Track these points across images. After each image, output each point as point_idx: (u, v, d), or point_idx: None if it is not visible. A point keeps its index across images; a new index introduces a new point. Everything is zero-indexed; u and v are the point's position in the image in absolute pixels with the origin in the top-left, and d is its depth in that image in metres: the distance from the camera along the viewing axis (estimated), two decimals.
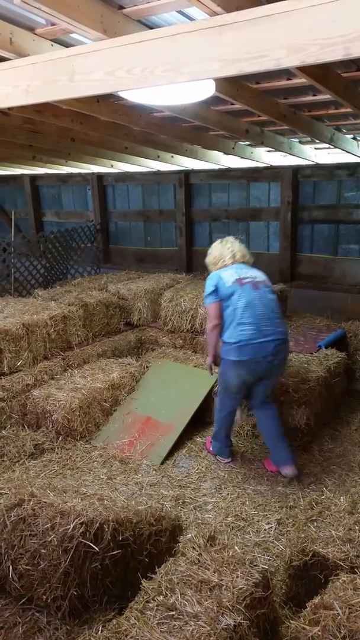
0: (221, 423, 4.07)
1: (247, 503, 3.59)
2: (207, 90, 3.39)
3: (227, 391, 3.90)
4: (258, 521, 3.38)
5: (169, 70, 2.37)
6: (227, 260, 3.99)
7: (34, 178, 10.34)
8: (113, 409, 4.69)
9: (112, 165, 8.07)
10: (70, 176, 9.74)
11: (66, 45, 3.26)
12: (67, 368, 5.02)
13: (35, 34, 3.16)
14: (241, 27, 2.12)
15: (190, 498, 3.67)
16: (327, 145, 5.86)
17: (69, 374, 4.86)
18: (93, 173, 9.19)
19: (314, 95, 4.14)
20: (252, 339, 3.63)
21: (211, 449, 4.22)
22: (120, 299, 5.98)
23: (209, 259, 4.15)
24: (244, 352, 3.64)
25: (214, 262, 4.08)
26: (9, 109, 4.55)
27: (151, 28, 2.93)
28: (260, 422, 3.98)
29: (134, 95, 3.48)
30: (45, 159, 7.83)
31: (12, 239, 7.31)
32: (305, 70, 3.16)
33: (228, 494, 3.70)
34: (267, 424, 3.91)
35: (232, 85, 3.79)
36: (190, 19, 2.88)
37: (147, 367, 5.15)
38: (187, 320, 5.52)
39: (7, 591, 2.25)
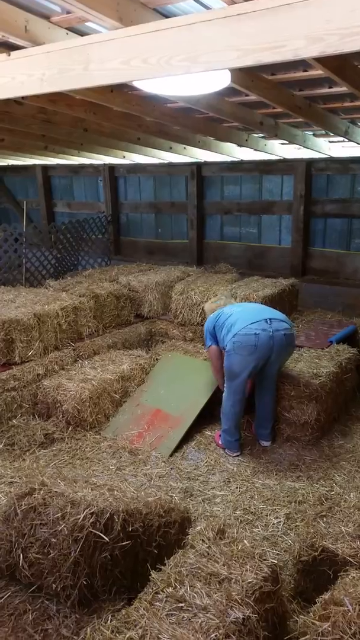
0: (229, 416, 4.08)
1: (256, 497, 3.59)
2: (222, 80, 3.36)
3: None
4: (267, 515, 3.38)
5: (185, 59, 2.34)
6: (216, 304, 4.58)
7: (46, 168, 10.34)
8: (123, 400, 4.70)
9: (124, 157, 8.04)
10: (82, 167, 9.72)
11: (81, 34, 3.23)
12: (78, 359, 5.04)
13: (51, 22, 3.14)
14: (260, 16, 2.09)
15: (199, 491, 3.68)
16: (341, 139, 5.79)
17: (79, 365, 4.88)
18: (105, 164, 9.16)
19: (330, 87, 4.09)
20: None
21: (220, 442, 4.22)
22: (131, 291, 5.98)
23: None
24: None
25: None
26: (22, 98, 4.54)
27: (167, 17, 2.89)
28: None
29: (149, 85, 3.45)
30: (57, 149, 7.82)
31: (24, 229, 7.33)
32: (322, 61, 3.12)
33: (237, 488, 3.70)
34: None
35: (248, 76, 3.75)
36: (207, 7, 2.84)
37: (157, 359, 5.15)
38: (197, 313, 5.51)
39: (18, 579, 2.27)
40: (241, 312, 4.06)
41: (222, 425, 4.20)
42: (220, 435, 4.25)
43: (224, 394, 4.15)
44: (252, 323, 3.86)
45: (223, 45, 2.21)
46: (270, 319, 3.92)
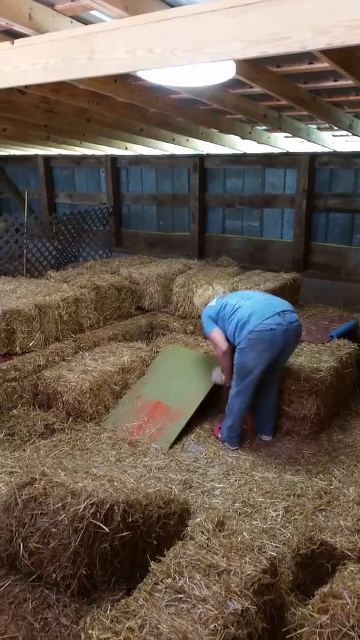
0: (237, 412, 4.08)
1: (255, 490, 3.60)
2: (227, 72, 3.33)
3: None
4: (265, 508, 3.39)
5: (190, 50, 2.32)
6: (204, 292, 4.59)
7: (47, 159, 10.30)
8: (123, 392, 4.71)
9: (126, 148, 8.00)
10: (84, 158, 9.68)
11: (85, 22, 3.21)
12: (78, 350, 5.04)
13: (55, 9, 3.11)
14: (266, 7, 2.06)
15: (198, 483, 3.69)
16: (345, 133, 5.76)
17: (79, 356, 4.88)
18: (107, 155, 9.12)
19: (335, 80, 4.06)
20: None
21: (220, 435, 4.22)
22: (132, 283, 5.97)
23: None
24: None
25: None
26: (25, 87, 4.51)
27: (173, 6, 2.87)
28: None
29: (153, 76, 3.43)
30: (59, 139, 7.77)
31: (25, 220, 7.31)
32: (328, 53, 3.09)
33: (236, 480, 3.72)
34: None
35: (253, 68, 3.72)
36: None
37: (157, 352, 5.15)
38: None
39: (18, 568, 2.28)
40: (252, 305, 3.91)
41: (225, 420, 4.17)
42: (219, 429, 4.25)
43: (231, 391, 4.07)
44: (267, 318, 3.77)
45: (229, 36, 2.18)
46: (283, 311, 3.86)
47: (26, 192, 8.09)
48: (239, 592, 1.90)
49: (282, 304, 3.99)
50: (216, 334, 4.07)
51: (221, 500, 3.49)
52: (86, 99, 4.91)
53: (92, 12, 3.14)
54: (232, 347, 4.02)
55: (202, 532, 2.24)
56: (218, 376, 4.40)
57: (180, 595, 1.91)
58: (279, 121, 5.43)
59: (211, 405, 4.65)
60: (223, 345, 4.03)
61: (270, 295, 4.22)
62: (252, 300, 4.01)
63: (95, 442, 4.16)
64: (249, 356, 3.82)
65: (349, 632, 1.63)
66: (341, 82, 4.04)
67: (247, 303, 3.96)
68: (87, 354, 4.93)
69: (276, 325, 3.77)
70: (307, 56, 3.56)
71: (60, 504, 2.19)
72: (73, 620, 2.08)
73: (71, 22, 3.22)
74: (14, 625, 2.05)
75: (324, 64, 3.52)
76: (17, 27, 3.03)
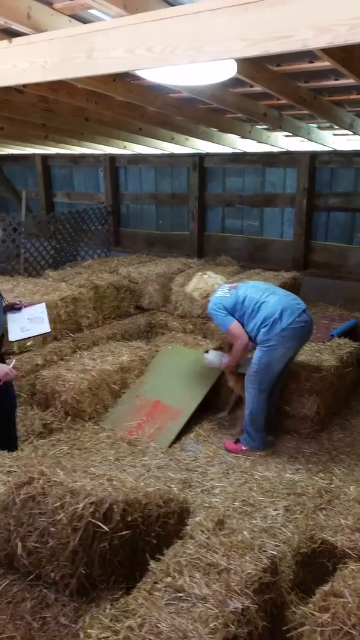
0: (260, 417, 4.03)
1: (255, 489, 3.60)
2: (228, 71, 3.32)
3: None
4: (265, 507, 3.39)
5: (190, 49, 2.31)
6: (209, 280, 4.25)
7: (45, 158, 10.28)
8: (122, 391, 4.70)
9: (125, 147, 7.99)
10: (82, 157, 9.66)
11: (84, 21, 3.20)
12: (77, 349, 5.03)
13: (54, 8, 3.11)
14: (268, 5, 2.06)
15: (198, 482, 3.69)
16: (346, 132, 5.76)
17: (78, 356, 4.87)
18: (105, 154, 9.10)
19: (336, 79, 4.06)
20: None
21: (245, 447, 4.07)
22: (131, 282, 5.97)
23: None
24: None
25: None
26: (23, 86, 4.50)
27: (173, 5, 2.86)
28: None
29: (153, 75, 3.42)
30: (57, 138, 7.76)
31: (23, 219, 7.30)
32: (329, 52, 3.09)
33: (235, 479, 3.71)
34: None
35: (253, 66, 3.71)
36: None
37: (156, 351, 5.15)
38: (197, 305, 5.49)
39: (16, 567, 2.27)
40: (280, 302, 3.82)
41: (250, 427, 4.04)
42: (240, 443, 4.10)
43: (252, 394, 3.92)
44: (299, 315, 3.79)
45: (229, 34, 2.17)
46: (305, 309, 3.90)
47: (24, 192, 8.09)
48: (239, 591, 1.90)
49: (298, 300, 3.99)
50: (237, 326, 3.87)
51: (221, 499, 3.48)
52: (85, 98, 4.90)
53: (91, 11, 3.13)
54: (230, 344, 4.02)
55: (201, 531, 2.24)
56: (218, 359, 4.20)
57: (180, 594, 1.91)
58: (279, 120, 5.43)
59: (210, 405, 4.64)
60: (245, 337, 3.87)
61: (285, 291, 4.11)
62: (277, 295, 3.91)
63: (94, 441, 4.15)
64: (278, 354, 3.80)
65: (350, 630, 1.62)
66: (342, 81, 4.03)
67: (273, 299, 3.85)
68: (85, 353, 4.92)
69: (304, 322, 3.83)
70: (308, 55, 3.55)
71: (58, 503, 2.18)
72: (72, 619, 2.07)
73: (70, 20, 3.21)
74: (12, 625, 2.04)
75: (325, 63, 3.52)
76: (16, 26, 3.03)
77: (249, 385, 3.96)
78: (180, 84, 3.83)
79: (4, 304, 3.47)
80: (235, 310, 3.87)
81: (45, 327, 3.63)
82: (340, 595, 1.74)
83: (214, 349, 4.42)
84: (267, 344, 3.79)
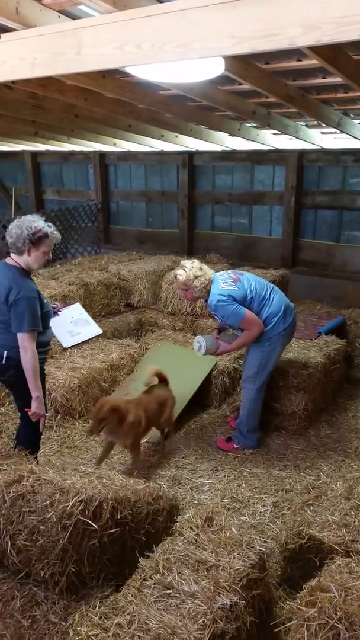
0: (256, 414, 4.04)
1: (243, 485, 3.62)
2: (216, 68, 3.32)
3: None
4: (254, 503, 3.41)
5: (179, 46, 2.31)
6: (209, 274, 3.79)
7: (35, 155, 10.22)
8: (112, 389, 4.69)
9: (115, 144, 7.97)
10: (72, 154, 9.62)
11: (73, 17, 3.18)
12: (67, 347, 5.01)
13: (42, 4, 3.08)
14: (255, 3, 2.06)
15: (187, 479, 3.70)
16: (334, 130, 5.79)
17: (68, 354, 4.85)
18: (95, 151, 9.07)
19: (324, 77, 4.07)
20: None
21: (237, 445, 4.08)
22: (121, 279, 5.96)
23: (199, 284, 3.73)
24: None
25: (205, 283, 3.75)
26: (13, 82, 4.47)
27: (162, 2, 2.85)
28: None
29: (142, 72, 3.41)
30: (47, 135, 7.72)
31: (12, 216, 7.25)
32: (317, 50, 3.10)
33: (224, 476, 3.73)
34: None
35: (242, 64, 3.72)
36: None
37: (146, 348, 5.15)
38: (187, 303, 5.50)
39: (5, 565, 2.27)
40: (282, 299, 3.84)
41: (243, 426, 4.05)
42: (232, 442, 4.10)
43: (251, 392, 3.92)
44: (294, 315, 3.92)
45: (217, 32, 2.18)
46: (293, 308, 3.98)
47: (13, 189, 8.04)
48: (227, 587, 1.91)
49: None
50: (255, 317, 3.70)
51: (210, 496, 3.50)
52: (74, 95, 4.88)
53: (80, 7, 3.12)
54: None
55: (190, 527, 2.25)
56: (213, 344, 3.87)
57: (169, 591, 1.92)
58: (267, 118, 5.45)
59: (200, 402, 4.65)
60: (262, 323, 3.72)
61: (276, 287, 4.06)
62: (277, 292, 3.89)
63: (84, 439, 4.14)
64: (277, 353, 3.87)
65: (336, 624, 1.65)
66: (330, 80, 4.05)
67: (275, 296, 3.84)
68: (75, 351, 4.90)
69: (295, 322, 3.96)
70: (296, 53, 3.56)
71: (48, 502, 2.18)
72: (61, 617, 2.08)
73: (59, 16, 3.19)
74: (2, 623, 2.04)
75: (312, 61, 3.53)
76: (4, 21, 3.00)
77: (248, 386, 3.94)
78: (170, 81, 3.83)
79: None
80: (243, 303, 3.71)
81: (95, 329, 3.58)
82: (327, 590, 1.76)
83: (205, 336, 4.06)
84: (267, 344, 3.79)
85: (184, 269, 3.73)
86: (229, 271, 3.95)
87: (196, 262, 3.79)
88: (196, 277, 3.69)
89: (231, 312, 3.66)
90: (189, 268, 3.72)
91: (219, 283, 3.72)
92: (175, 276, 3.78)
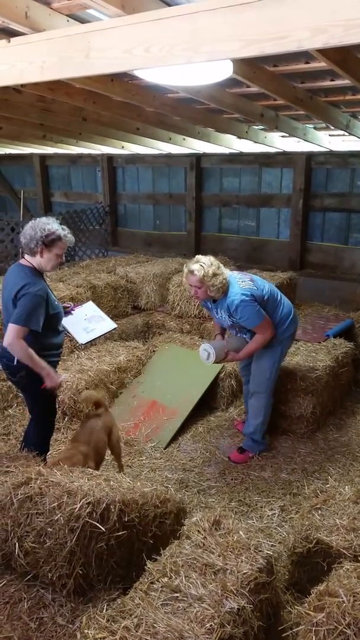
0: (267, 419, 4.00)
1: (251, 489, 3.61)
2: (224, 71, 3.33)
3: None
4: (261, 507, 3.40)
5: (187, 49, 2.31)
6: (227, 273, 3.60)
7: (43, 158, 10.28)
8: (119, 391, 4.70)
9: (122, 147, 8.00)
10: (80, 157, 9.66)
11: (82, 21, 3.20)
12: (74, 349, 5.03)
13: (52, 8, 3.10)
14: (264, 6, 2.06)
15: (194, 482, 3.69)
16: (342, 132, 5.78)
17: (75, 356, 4.87)
18: (103, 154, 9.11)
19: (332, 80, 4.07)
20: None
21: (252, 454, 4.00)
22: (129, 282, 5.97)
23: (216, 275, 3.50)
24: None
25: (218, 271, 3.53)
26: (22, 86, 4.50)
27: (170, 5, 2.86)
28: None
29: (150, 75, 3.43)
30: (55, 138, 7.77)
31: (21, 219, 7.30)
32: (325, 53, 3.10)
33: (232, 479, 3.72)
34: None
35: (250, 67, 3.72)
36: None
37: (153, 351, 5.15)
38: (195, 305, 5.50)
39: (13, 567, 2.27)
40: (289, 302, 3.80)
41: (256, 438, 3.98)
42: (247, 452, 4.00)
43: (263, 404, 3.86)
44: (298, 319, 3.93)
45: (226, 35, 2.18)
46: None
47: (22, 191, 8.09)
48: (235, 591, 1.90)
49: None
50: (268, 317, 3.58)
51: (217, 499, 3.49)
52: (82, 98, 4.90)
53: (89, 11, 3.13)
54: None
55: (198, 531, 2.24)
56: (222, 351, 3.69)
57: (176, 595, 1.91)
58: (275, 121, 5.44)
59: (207, 405, 4.65)
60: (274, 328, 3.62)
61: None
62: (282, 295, 3.83)
63: None
64: (283, 356, 3.89)
65: (344, 630, 1.63)
66: (338, 82, 4.05)
67: (284, 298, 3.80)
68: (83, 353, 4.92)
69: None
70: (304, 55, 3.56)
71: (56, 504, 2.19)
72: (69, 619, 2.08)
73: (68, 20, 3.21)
74: (9, 625, 2.05)
75: (320, 64, 3.53)
76: (14, 26, 3.03)
77: (261, 392, 3.85)
78: (178, 84, 3.84)
79: None
80: (260, 304, 3.56)
81: (110, 324, 3.59)
82: (335, 595, 1.75)
83: (211, 342, 3.84)
84: (279, 347, 3.74)
85: (201, 265, 3.46)
86: (237, 272, 3.81)
87: (214, 259, 3.57)
88: (215, 274, 3.45)
89: (253, 313, 3.49)
90: (208, 264, 3.46)
91: (237, 282, 3.54)
92: (192, 271, 3.48)
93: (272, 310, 3.64)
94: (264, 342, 3.61)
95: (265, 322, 3.54)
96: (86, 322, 3.52)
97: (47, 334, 3.10)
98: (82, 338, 3.42)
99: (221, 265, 3.59)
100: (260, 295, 3.56)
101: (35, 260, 3.10)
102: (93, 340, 3.49)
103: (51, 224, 3.06)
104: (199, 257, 3.59)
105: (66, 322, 3.42)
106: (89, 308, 3.67)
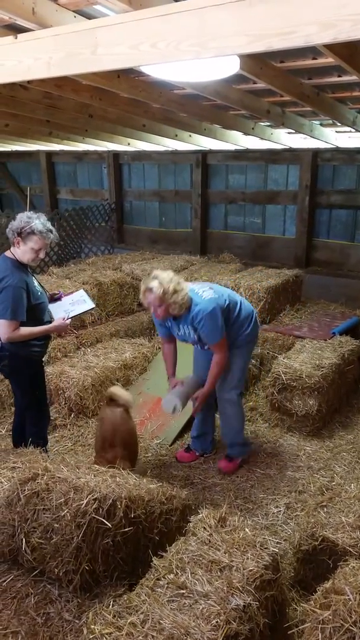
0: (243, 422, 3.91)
1: (256, 486, 3.60)
2: (231, 67, 3.32)
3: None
4: (267, 504, 3.39)
5: (194, 45, 2.31)
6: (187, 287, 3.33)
7: (49, 154, 10.29)
8: (125, 388, 4.70)
9: (128, 144, 7.99)
10: (86, 153, 9.66)
11: (89, 17, 3.19)
12: (81, 346, 5.04)
13: (58, 4, 3.10)
14: (271, 1, 2.05)
15: (200, 479, 3.69)
16: (348, 129, 5.75)
17: (82, 352, 4.88)
18: (109, 151, 9.11)
19: (339, 76, 4.04)
20: None
21: (240, 461, 3.84)
22: (135, 279, 5.97)
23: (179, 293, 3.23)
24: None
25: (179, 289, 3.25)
26: (28, 82, 4.50)
27: (177, 0, 2.85)
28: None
29: (157, 71, 3.41)
30: (62, 135, 7.77)
31: None
32: (332, 48, 3.08)
33: (237, 477, 3.72)
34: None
35: (257, 63, 3.70)
36: None
37: (159, 348, 5.15)
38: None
39: (20, 563, 2.28)
40: (245, 301, 3.69)
41: (240, 441, 3.81)
42: (235, 460, 3.82)
43: (236, 404, 3.69)
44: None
45: (233, 30, 2.17)
46: None
47: (28, 188, 8.10)
48: (240, 588, 1.90)
49: None
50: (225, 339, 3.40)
51: (222, 496, 3.49)
52: (89, 95, 4.90)
53: (96, 7, 3.12)
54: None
55: (204, 528, 2.24)
56: (185, 396, 3.49)
57: (182, 591, 1.92)
58: (282, 117, 5.42)
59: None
60: (228, 351, 3.46)
61: None
62: (242, 298, 3.69)
63: None
64: (251, 352, 3.82)
65: (351, 627, 1.63)
66: (345, 78, 4.02)
67: (244, 302, 3.66)
68: (89, 350, 4.93)
69: None
70: (311, 51, 3.54)
71: (62, 500, 2.19)
72: (75, 615, 2.08)
73: (74, 16, 3.20)
74: (17, 620, 2.06)
75: (328, 59, 3.51)
76: (21, 22, 3.02)
77: (233, 395, 3.65)
78: (184, 80, 3.83)
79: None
80: (223, 312, 3.36)
81: (88, 304, 3.65)
82: (341, 593, 1.74)
83: (171, 392, 3.57)
84: (249, 344, 3.65)
85: (160, 282, 3.16)
86: (193, 283, 3.56)
87: (172, 274, 3.29)
88: (175, 291, 3.17)
89: (216, 328, 3.28)
90: (167, 280, 3.17)
91: (199, 294, 3.31)
92: (150, 289, 3.17)
93: (236, 313, 3.49)
94: (223, 363, 3.42)
95: (223, 341, 3.36)
96: (70, 305, 3.60)
97: (29, 324, 3.13)
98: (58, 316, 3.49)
99: (181, 280, 3.30)
100: (222, 303, 3.36)
101: (16, 252, 3.14)
102: (70, 318, 3.53)
103: (32, 219, 3.08)
104: (156, 272, 3.28)
105: (52, 306, 3.49)
106: (78, 294, 3.73)
